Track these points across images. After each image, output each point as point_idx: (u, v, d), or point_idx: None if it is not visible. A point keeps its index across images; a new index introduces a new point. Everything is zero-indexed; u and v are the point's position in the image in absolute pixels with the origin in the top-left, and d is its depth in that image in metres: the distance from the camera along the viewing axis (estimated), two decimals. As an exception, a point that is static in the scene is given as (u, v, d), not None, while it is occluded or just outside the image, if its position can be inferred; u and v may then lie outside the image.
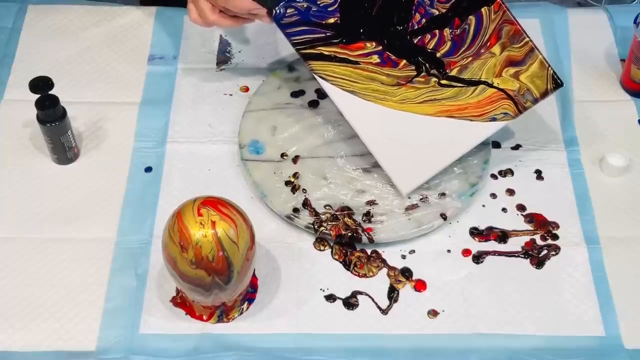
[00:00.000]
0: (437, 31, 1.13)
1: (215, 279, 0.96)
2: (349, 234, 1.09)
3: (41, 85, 1.11)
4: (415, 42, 1.13)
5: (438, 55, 1.13)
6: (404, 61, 1.13)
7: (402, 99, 1.13)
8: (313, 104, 1.23)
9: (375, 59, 1.14)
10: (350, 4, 1.13)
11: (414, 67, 1.13)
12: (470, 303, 1.06)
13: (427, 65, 1.13)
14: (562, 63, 1.32)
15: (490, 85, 1.12)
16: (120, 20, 1.35)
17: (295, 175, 1.16)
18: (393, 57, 1.13)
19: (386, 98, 1.13)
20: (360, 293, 1.07)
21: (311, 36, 1.13)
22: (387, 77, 1.13)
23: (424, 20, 1.13)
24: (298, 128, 1.21)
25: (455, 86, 1.13)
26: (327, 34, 1.13)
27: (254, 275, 1.07)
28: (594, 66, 1.32)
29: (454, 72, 1.13)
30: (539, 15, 1.38)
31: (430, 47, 1.13)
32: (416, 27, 1.13)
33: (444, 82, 1.13)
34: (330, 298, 1.06)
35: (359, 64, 1.13)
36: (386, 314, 1.05)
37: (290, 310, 1.05)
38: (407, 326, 1.04)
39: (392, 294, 1.07)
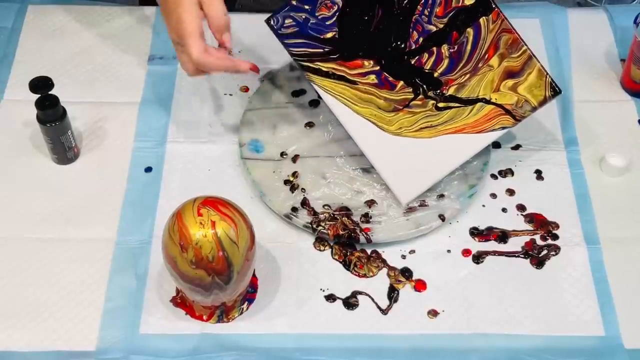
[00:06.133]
0: (434, 49, 1.12)
1: (215, 279, 0.96)
2: (347, 233, 1.09)
3: (41, 85, 1.11)
4: (412, 62, 1.13)
5: (436, 75, 1.13)
6: (402, 83, 1.13)
7: (399, 127, 1.12)
8: (313, 104, 1.23)
9: (373, 79, 1.13)
10: (348, 19, 1.13)
11: (411, 90, 1.13)
12: (470, 303, 1.06)
13: (424, 87, 1.13)
14: (562, 63, 1.32)
15: (488, 102, 1.12)
16: (120, 20, 1.35)
17: (294, 174, 1.16)
18: (391, 78, 1.13)
19: (383, 127, 1.13)
20: (360, 293, 1.07)
21: (309, 50, 1.13)
22: (385, 102, 1.13)
23: (421, 39, 1.12)
24: (298, 127, 1.21)
25: (453, 107, 1.12)
26: (325, 49, 1.13)
27: (254, 275, 1.07)
28: (594, 66, 1.32)
29: (451, 91, 1.12)
30: (539, 15, 1.38)
31: (428, 67, 1.13)
32: (414, 46, 1.13)
33: (441, 105, 1.12)
34: (330, 298, 1.06)
35: (357, 84, 1.13)
36: (386, 314, 1.05)
37: (290, 310, 1.05)
38: (407, 326, 1.04)
39: (392, 294, 1.07)
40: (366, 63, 1.14)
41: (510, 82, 1.12)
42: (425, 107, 1.13)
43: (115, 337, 1.02)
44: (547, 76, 1.11)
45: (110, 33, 1.34)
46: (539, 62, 1.11)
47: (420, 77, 1.13)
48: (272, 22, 1.13)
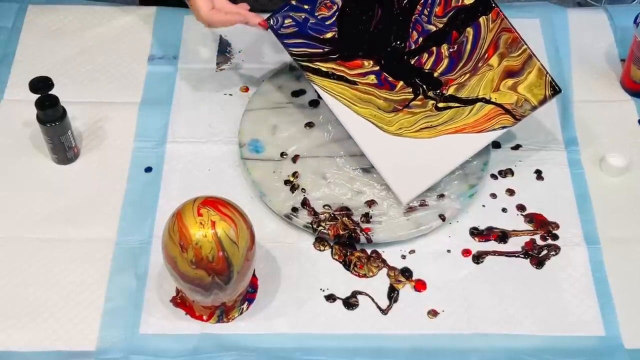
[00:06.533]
0: (434, 48, 1.12)
1: (215, 279, 0.96)
2: (347, 233, 1.09)
3: (41, 85, 1.11)
4: (412, 62, 1.13)
5: (435, 75, 1.12)
6: (401, 83, 1.13)
7: (399, 128, 1.12)
8: (313, 104, 1.23)
9: (373, 79, 1.13)
10: (348, 19, 1.13)
11: (411, 90, 1.13)
12: (470, 303, 1.06)
13: (424, 87, 1.13)
14: (562, 63, 1.32)
15: (488, 102, 1.12)
16: (121, 20, 1.35)
17: (294, 174, 1.16)
18: (390, 78, 1.13)
19: (382, 127, 1.13)
20: (360, 293, 1.07)
21: (309, 50, 1.13)
22: (384, 102, 1.13)
23: (421, 39, 1.12)
24: (298, 127, 1.21)
25: (453, 107, 1.12)
26: (325, 49, 1.13)
27: (254, 276, 1.07)
28: (594, 66, 1.32)
29: (451, 91, 1.12)
30: (539, 15, 1.38)
31: (428, 67, 1.12)
32: (413, 47, 1.12)
33: (441, 105, 1.12)
34: (330, 298, 1.06)
35: (357, 84, 1.13)
36: (386, 314, 1.05)
37: (290, 310, 1.05)
38: (407, 326, 1.04)
39: (392, 294, 1.07)
40: (366, 63, 1.14)
41: (510, 82, 1.12)
42: (425, 108, 1.13)
43: (115, 337, 1.02)
44: (547, 75, 1.11)
45: (110, 33, 1.34)
46: (539, 61, 1.11)
47: (420, 77, 1.13)
48: (271, 22, 1.13)
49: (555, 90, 1.12)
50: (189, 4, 1.16)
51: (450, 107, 1.12)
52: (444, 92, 1.13)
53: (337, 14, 1.13)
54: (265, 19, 1.13)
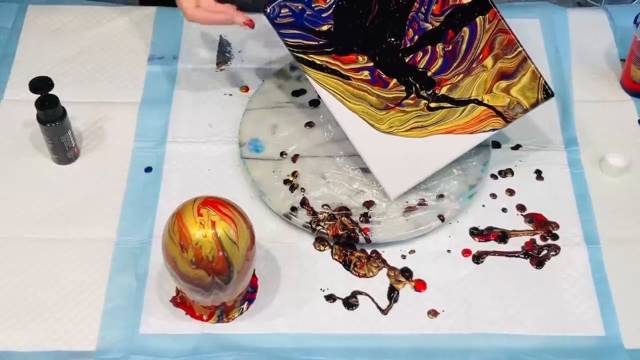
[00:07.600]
0: (429, 47, 1.12)
1: (215, 279, 0.96)
2: (346, 233, 1.09)
3: (41, 85, 1.11)
4: (406, 60, 1.12)
5: (429, 74, 1.12)
6: (394, 80, 1.13)
7: (390, 126, 1.12)
8: (314, 103, 1.23)
9: (366, 75, 1.13)
10: (344, 12, 1.12)
11: (403, 88, 1.13)
12: (470, 303, 1.06)
13: (417, 85, 1.13)
14: (562, 63, 1.32)
15: (480, 103, 1.12)
16: (120, 20, 1.35)
17: (294, 174, 1.16)
18: (384, 75, 1.13)
19: (374, 125, 1.13)
20: (360, 293, 1.07)
21: (304, 42, 1.13)
22: (377, 99, 1.13)
23: (416, 37, 1.12)
24: (298, 127, 1.21)
25: (445, 107, 1.12)
26: (320, 42, 1.13)
27: (254, 276, 1.07)
28: (594, 66, 1.32)
29: (444, 91, 1.12)
30: (539, 15, 1.38)
31: (422, 66, 1.12)
32: (409, 44, 1.12)
33: (433, 105, 1.12)
34: (330, 298, 1.06)
35: (350, 79, 1.13)
36: (386, 314, 1.05)
37: (290, 310, 1.05)
38: (407, 326, 1.04)
39: (392, 294, 1.07)
40: (360, 58, 1.13)
41: (503, 84, 1.12)
42: (417, 107, 1.13)
43: (115, 337, 1.02)
44: (541, 78, 1.11)
45: (110, 33, 1.34)
46: (534, 63, 1.11)
47: (413, 75, 1.13)
48: (268, 11, 1.12)
49: (548, 93, 1.12)
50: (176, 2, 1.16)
51: (442, 108, 1.12)
52: (436, 91, 1.12)
53: (333, 6, 1.12)
54: (263, 8, 1.13)
